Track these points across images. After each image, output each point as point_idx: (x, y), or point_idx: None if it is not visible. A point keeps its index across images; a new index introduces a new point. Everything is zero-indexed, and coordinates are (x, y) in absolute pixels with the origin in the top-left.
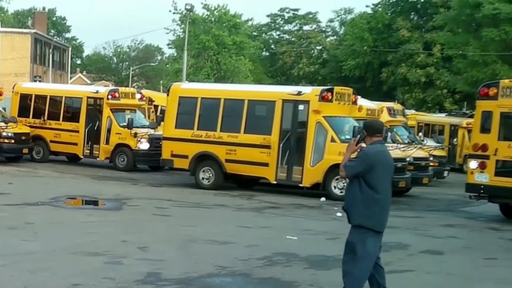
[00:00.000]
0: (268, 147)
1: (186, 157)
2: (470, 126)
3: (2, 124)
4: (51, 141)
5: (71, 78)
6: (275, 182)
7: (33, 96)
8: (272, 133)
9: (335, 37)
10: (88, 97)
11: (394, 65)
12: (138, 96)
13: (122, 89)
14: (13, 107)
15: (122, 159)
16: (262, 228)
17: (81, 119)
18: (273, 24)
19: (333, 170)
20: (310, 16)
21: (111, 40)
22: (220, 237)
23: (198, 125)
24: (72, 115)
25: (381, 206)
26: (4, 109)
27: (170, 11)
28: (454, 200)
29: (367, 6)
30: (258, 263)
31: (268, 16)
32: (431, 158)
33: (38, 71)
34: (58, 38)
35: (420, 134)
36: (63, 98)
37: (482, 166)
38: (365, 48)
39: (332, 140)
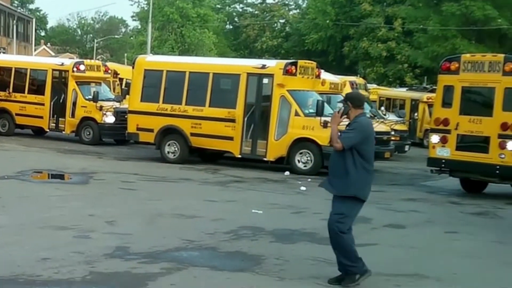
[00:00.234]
0: (233, 121)
1: (151, 130)
2: (430, 100)
3: None
4: (17, 114)
5: (35, 50)
6: (239, 156)
7: None
8: (236, 106)
9: (298, 10)
10: (53, 70)
11: (356, 39)
12: (103, 68)
13: (87, 61)
14: None
15: (88, 133)
16: (227, 202)
17: (46, 92)
18: None
19: (297, 144)
20: None
21: (75, 12)
22: (186, 211)
23: (164, 99)
24: (38, 88)
25: (371, 177)
26: None
27: None
28: (415, 174)
29: None
30: (225, 237)
31: None
32: (393, 133)
33: (2, 42)
34: (21, 9)
35: (382, 108)
36: (28, 70)
37: (443, 141)
38: (327, 22)
39: (296, 114)
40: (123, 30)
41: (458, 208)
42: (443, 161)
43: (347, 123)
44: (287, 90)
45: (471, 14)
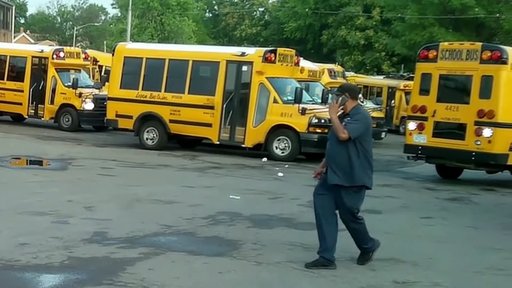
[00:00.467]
0: (212, 107)
1: (130, 117)
2: (407, 88)
3: None
4: None
5: (14, 37)
6: (218, 143)
7: None
8: (215, 93)
9: None
10: (33, 57)
11: (335, 28)
12: (82, 56)
13: (67, 48)
14: None
15: (67, 119)
16: (205, 188)
17: (25, 78)
18: None
19: (275, 130)
20: None
21: None
22: (164, 197)
23: (143, 86)
24: (17, 75)
25: (372, 166)
26: None
27: None
28: (392, 161)
29: None
30: (203, 222)
31: None
32: None
33: None
34: None
35: (360, 96)
36: (8, 57)
37: (420, 128)
38: (306, 10)
39: (275, 101)
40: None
41: (433, 194)
42: (420, 147)
43: (338, 114)
44: (266, 78)
45: (448, 3)
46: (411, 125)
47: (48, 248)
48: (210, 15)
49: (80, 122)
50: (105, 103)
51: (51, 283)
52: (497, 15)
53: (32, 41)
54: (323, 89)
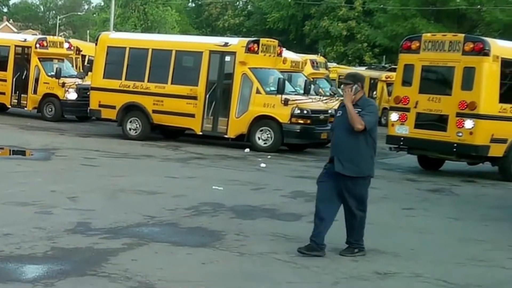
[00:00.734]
0: (195, 98)
1: (113, 107)
2: (389, 79)
3: None
4: None
5: None
6: (200, 133)
7: None
8: (198, 84)
9: None
10: (16, 46)
11: (317, 18)
12: (66, 45)
13: (50, 38)
14: None
15: (50, 109)
16: (188, 179)
17: (8, 68)
18: None
19: (258, 121)
20: None
21: None
22: (147, 187)
23: (126, 76)
24: (0, 64)
25: (375, 156)
26: None
27: None
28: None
29: None
30: (186, 213)
31: None
32: None
33: None
34: None
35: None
36: None
37: (402, 119)
38: (289, 0)
39: (257, 91)
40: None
41: (414, 185)
42: (402, 138)
43: (337, 104)
44: (249, 68)
45: None
46: (393, 116)
47: (32, 239)
48: (193, 5)
49: (63, 112)
50: (88, 93)
51: (35, 273)
52: (478, 6)
53: (15, 30)
54: (306, 80)
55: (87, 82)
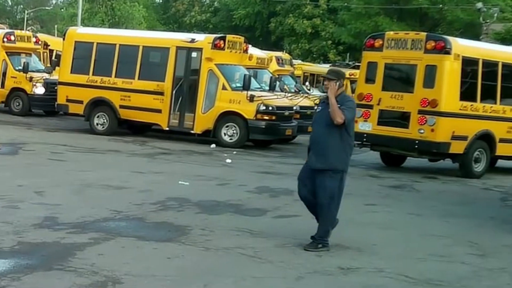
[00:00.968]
0: (162, 93)
1: (81, 102)
2: (352, 76)
3: None
4: None
5: None
6: (167, 129)
7: None
8: (165, 79)
9: None
10: None
11: (282, 16)
12: (33, 39)
13: (18, 32)
14: None
15: (17, 103)
16: (155, 174)
17: None
18: None
19: (224, 117)
20: None
21: None
22: (114, 182)
23: (94, 71)
24: None
25: (352, 152)
26: None
27: None
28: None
29: None
30: (152, 208)
31: None
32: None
33: None
34: None
35: (307, 83)
36: None
37: (366, 116)
38: None
39: (224, 87)
40: (54, 1)
41: (377, 181)
42: (365, 135)
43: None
44: (215, 64)
45: None
46: (357, 113)
47: None
48: (160, 1)
49: (30, 106)
50: (55, 88)
51: (1, 268)
52: (440, 6)
53: None
54: (271, 77)
55: (55, 76)
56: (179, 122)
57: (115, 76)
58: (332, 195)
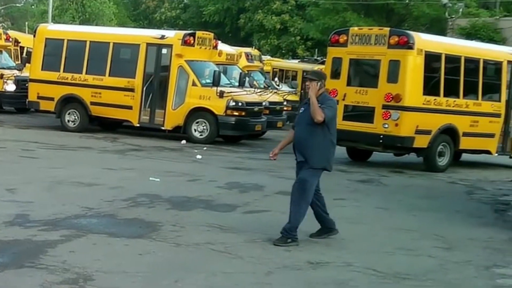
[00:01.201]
0: (132, 90)
1: (52, 99)
2: None
3: None
4: None
5: None
6: (138, 125)
7: None
8: (136, 76)
9: None
10: None
11: (252, 12)
12: (4, 36)
13: None
14: None
15: None
16: (126, 170)
17: None
18: None
19: (194, 113)
20: None
21: None
22: (85, 179)
23: (64, 68)
24: None
25: (335, 149)
26: None
27: None
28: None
29: None
30: (123, 204)
31: None
32: (285, 103)
33: None
34: None
35: (276, 79)
36: None
37: None
38: None
39: (194, 84)
40: None
41: (345, 176)
42: None
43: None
44: (185, 61)
45: None
46: None
47: None
48: None
49: (1, 103)
50: (26, 85)
51: None
52: (406, 1)
53: None
54: (241, 73)
55: (26, 73)
56: (149, 118)
57: (86, 73)
58: (305, 188)
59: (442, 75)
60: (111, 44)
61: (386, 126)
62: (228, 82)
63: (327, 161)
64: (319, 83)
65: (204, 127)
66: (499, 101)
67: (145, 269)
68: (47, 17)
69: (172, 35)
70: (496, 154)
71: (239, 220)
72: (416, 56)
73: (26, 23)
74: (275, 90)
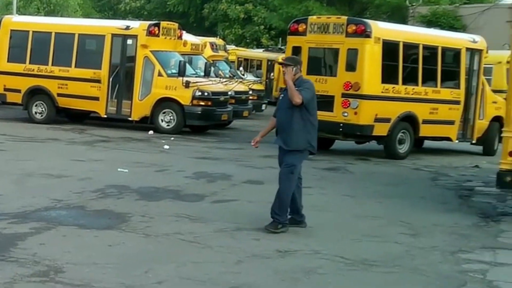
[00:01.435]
0: (98, 81)
1: (18, 91)
2: None
3: None
4: None
5: None
6: (105, 116)
7: None
8: (102, 67)
9: None
10: None
11: (216, 1)
12: None
13: None
14: None
15: None
16: (94, 161)
17: None
18: None
19: (160, 103)
20: None
21: None
22: (54, 171)
23: (30, 59)
24: None
25: (316, 131)
26: None
27: None
28: (271, 132)
29: None
30: (92, 196)
31: None
32: (251, 92)
33: None
34: None
35: (241, 68)
36: None
37: None
38: None
39: (159, 74)
40: None
41: (311, 164)
42: None
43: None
44: (151, 51)
45: None
46: None
47: None
48: None
49: None
50: None
51: None
52: None
53: None
54: (206, 62)
55: None
56: (116, 109)
57: (52, 65)
58: (291, 171)
59: (401, 63)
60: (76, 35)
61: (346, 114)
62: (194, 72)
63: (308, 143)
64: (294, 68)
65: (171, 117)
66: (459, 88)
67: (115, 261)
68: (11, 8)
69: (137, 25)
70: (457, 141)
71: (208, 209)
72: (374, 44)
73: None
74: (241, 80)
